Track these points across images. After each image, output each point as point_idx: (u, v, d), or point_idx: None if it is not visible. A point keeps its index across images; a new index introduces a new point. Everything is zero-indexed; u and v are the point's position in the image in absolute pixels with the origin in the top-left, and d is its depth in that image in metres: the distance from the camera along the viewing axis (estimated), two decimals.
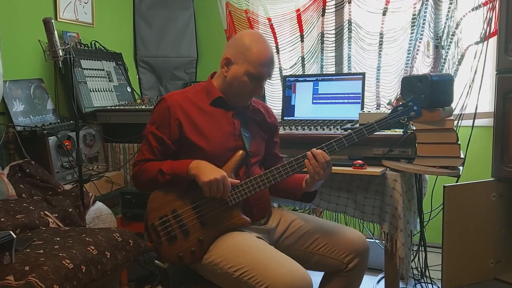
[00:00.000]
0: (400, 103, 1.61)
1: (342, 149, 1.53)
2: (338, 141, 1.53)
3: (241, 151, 1.60)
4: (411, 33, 2.71)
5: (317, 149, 1.51)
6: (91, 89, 2.87)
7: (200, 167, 1.50)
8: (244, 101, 1.65)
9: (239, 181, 1.54)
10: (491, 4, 2.39)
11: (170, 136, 1.58)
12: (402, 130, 1.60)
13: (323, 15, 2.96)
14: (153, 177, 1.56)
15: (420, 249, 2.30)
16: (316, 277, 1.57)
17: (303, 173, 1.59)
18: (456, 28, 2.60)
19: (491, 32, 2.36)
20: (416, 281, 2.39)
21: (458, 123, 2.26)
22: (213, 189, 1.48)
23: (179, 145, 1.59)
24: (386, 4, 2.75)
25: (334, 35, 2.96)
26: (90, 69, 2.91)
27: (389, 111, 1.57)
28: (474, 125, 2.24)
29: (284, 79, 2.62)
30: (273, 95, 3.17)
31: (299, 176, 1.63)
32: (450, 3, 2.59)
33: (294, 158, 1.54)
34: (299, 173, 1.58)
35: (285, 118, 2.54)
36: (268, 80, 1.64)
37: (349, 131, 1.56)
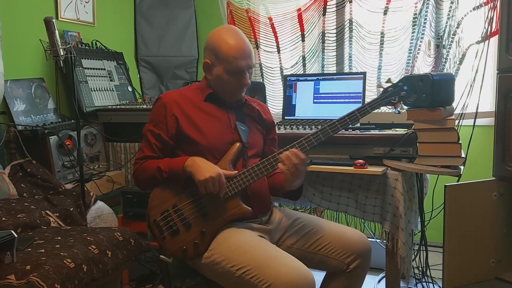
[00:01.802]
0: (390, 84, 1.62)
1: (337, 132, 1.55)
2: (332, 125, 1.54)
3: (237, 144, 1.61)
4: (412, 32, 2.70)
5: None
6: (92, 89, 2.87)
7: (195, 165, 1.51)
8: (236, 96, 1.67)
9: (236, 172, 1.56)
10: (492, 3, 2.39)
11: (167, 132, 1.60)
12: (394, 111, 1.62)
13: (324, 14, 2.96)
14: (152, 175, 1.58)
15: (421, 249, 2.30)
16: (318, 276, 1.57)
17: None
18: (457, 27, 2.60)
19: (492, 31, 2.36)
20: (417, 281, 2.39)
21: (459, 122, 2.26)
22: (209, 187, 1.49)
23: (177, 140, 1.61)
24: (387, 3, 2.75)
25: (335, 35, 2.96)
26: (91, 69, 2.91)
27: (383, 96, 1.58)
28: (475, 124, 2.23)
29: (285, 78, 2.61)
30: (274, 94, 3.17)
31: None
32: (451, 2, 2.59)
33: (290, 145, 1.55)
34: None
35: (286, 117, 2.54)
36: (252, 68, 1.64)
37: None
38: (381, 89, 1.61)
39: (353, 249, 1.60)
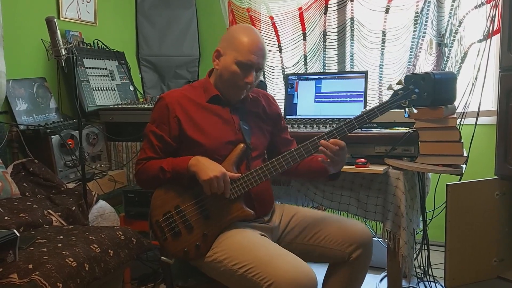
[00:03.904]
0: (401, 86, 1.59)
1: (351, 131, 1.55)
2: (348, 124, 1.54)
3: (241, 145, 1.60)
4: (414, 31, 2.70)
5: (327, 137, 1.52)
6: (94, 88, 2.88)
7: (199, 164, 1.51)
8: (237, 94, 1.63)
9: (240, 174, 1.55)
10: (494, 1, 2.39)
11: (170, 134, 1.59)
12: (405, 115, 1.61)
13: (325, 13, 2.95)
14: (155, 175, 1.57)
15: (423, 248, 2.30)
16: (320, 276, 1.57)
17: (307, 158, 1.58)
18: (459, 26, 2.59)
19: (494, 29, 2.36)
20: (419, 280, 2.39)
21: (461, 121, 2.26)
22: (213, 186, 1.49)
23: (179, 142, 1.60)
24: (388, 2, 2.75)
25: (336, 33, 2.96)
26: (92, 68, 2.91)
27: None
28: (477, 123, 2.23)
29: (286, 77, 2.61)
30: (275, 93, 3.16)
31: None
32: (453, 1, 2.59)
33: (295, 148, 1.55)
34: (298, 161, 1.57)
35: (287, 116, 2.54)
36: (261, 71, 1.63)
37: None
38: (391, 91, 1.56)
39: (354, 238, 1.60)
